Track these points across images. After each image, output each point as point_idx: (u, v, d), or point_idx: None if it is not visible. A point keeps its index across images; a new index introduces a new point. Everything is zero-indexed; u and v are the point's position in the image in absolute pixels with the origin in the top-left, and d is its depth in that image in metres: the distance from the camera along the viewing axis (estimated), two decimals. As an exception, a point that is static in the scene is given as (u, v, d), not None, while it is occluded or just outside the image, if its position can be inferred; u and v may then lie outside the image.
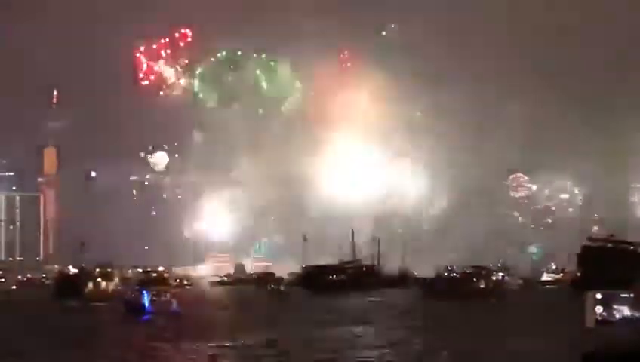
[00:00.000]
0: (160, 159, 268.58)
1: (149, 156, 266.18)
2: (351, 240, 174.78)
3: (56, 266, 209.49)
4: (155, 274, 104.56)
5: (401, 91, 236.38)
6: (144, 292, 62.77)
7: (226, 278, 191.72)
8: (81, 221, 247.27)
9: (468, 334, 44.34)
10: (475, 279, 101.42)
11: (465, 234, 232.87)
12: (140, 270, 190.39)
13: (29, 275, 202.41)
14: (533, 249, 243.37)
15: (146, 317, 59.39)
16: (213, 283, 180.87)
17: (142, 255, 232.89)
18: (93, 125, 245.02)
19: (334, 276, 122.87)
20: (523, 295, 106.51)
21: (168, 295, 62.16)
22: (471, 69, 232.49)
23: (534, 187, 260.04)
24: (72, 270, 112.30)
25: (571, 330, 35.20)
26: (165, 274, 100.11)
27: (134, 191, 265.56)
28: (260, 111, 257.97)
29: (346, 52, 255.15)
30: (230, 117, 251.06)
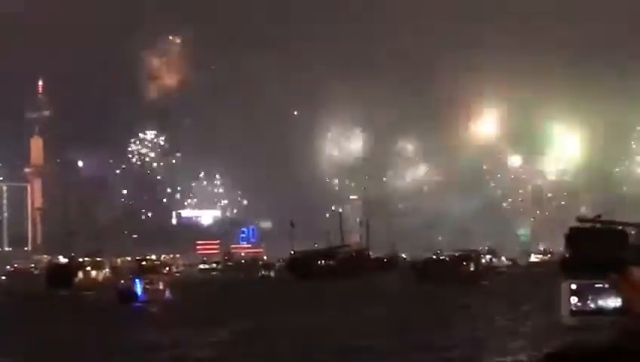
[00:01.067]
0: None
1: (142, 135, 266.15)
2: (339, 225, 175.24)
3: (44, 256, 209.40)
4: (147, 263, 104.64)
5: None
6: (136, 280, 63.01)
7: (215, 265, 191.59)
8: (69, 210, 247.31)
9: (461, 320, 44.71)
10: (465, 262, 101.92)
11: (453, 216, 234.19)
12: (129, 258, 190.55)
13: (16, 265, 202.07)
14: (521, 230, 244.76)
15: (138, 305, 59.64)
16: (203, 271, 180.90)
17: (130, 243, 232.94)
18: (79, 113, 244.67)
19: (323, 261, 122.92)
20: (512, 277, 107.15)
21: (161, 283, 62.37)
22: (461, 59, 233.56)
23: (521, 167, 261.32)
24: (63, 260, 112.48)
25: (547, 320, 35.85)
26: (157, 262, 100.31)
27: (121, 179, 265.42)
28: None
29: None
30: (221, 102, 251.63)
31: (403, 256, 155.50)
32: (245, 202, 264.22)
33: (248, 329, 41.89)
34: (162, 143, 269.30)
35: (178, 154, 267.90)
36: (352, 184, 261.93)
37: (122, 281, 64.94)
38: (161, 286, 61.77)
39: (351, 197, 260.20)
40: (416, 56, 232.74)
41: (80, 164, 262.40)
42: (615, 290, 1.89)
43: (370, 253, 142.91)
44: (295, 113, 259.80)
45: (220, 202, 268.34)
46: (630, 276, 1.81)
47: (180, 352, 33.62)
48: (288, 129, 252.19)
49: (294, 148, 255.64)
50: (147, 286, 61.02)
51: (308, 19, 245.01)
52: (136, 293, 61.35)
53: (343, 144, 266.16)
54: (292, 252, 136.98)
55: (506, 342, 32.99)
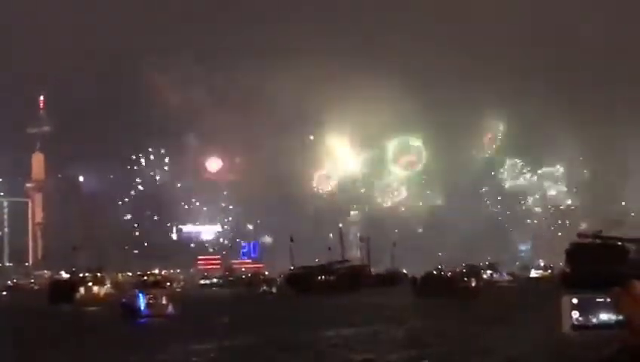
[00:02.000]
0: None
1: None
2: (339, 240, 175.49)
3: (45, 271, 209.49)
4: (150, 277, 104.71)
5: (387, 91, 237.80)
6: (140, 294, 63.15)
7: (216, 280, 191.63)
8: (70, 226, 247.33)
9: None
10: (466, 278, 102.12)
11: (454, 232, 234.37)
12: (130, 274, 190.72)
13: (15, 280, 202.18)
14: (522, 246, 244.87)
15: (142, 320, 59.79)
16: (204, 286, 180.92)
17: (131, 258, 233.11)
18: (81, 130, 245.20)
19: (323, 277, 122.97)
20: (512, 293, 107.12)
21: (164, 298, 62.51)
22: (458, 68, 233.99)
23: (525, 179, 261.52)
24: (64, 275, 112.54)
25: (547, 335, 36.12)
26: (160, 277, 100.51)
27: (122, 195, 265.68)
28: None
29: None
30: (223, 118, 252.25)
31: (404, 271, 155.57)
32: (246, 217, 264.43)
33: (250, 343, 42.17)
34: (164, 159, 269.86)
35: (180, 169, 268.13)
36: (354, 205, 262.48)
37: (126, 296, 64.96)
38: (164, 301, 61.90)
39: (351, 213, 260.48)
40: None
41: (81, 179, 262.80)
42: (617, 304, 2.10)
43: (372, 269, 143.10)
44: (311, 138, 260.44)
45: (221, 218, 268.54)
46: (632, 290, 2.02)
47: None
48: (289, 145, 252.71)
49: (295, 164, 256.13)
50: (151, 301, 61.13)
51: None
52: (139, 308, 61.51)
53: (344, 162, 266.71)
54: (291, 267, 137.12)
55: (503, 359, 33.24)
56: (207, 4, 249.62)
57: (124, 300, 64.72)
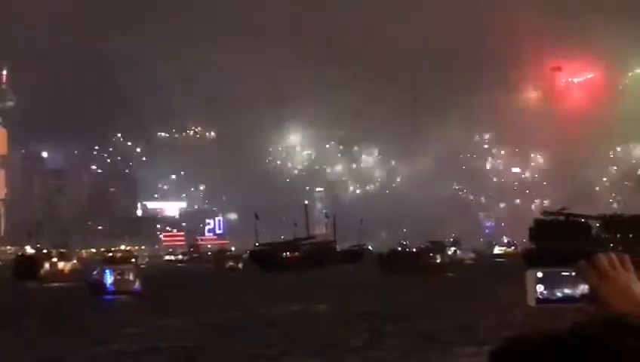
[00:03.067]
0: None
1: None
2: (305, 216, 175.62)
3: (9, 247, 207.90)
4: (117, 253, 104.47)
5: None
6: (107, 271, 62.95)
7: (181, 257, 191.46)
8: (34, 201, 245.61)
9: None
10: (431, 254, 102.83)
11: (419, 209, 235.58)
12: (94, 250, 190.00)
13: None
14: (486, 223, 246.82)
15: (108, 297, 59.72)
16: (169, 262, 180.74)
17: (95, 234, 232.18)
18: (45, 105, 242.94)
19: (287, 253, 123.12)
20: (476, 269, 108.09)
21: (132, 274, 62.39)
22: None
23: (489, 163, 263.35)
24: (29, 251, 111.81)
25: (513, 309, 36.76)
26: (127, 254, 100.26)
27: (86, 171, 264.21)
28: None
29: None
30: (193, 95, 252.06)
31: (369, 247, 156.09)
32: (212, 194, 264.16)
33: (218, 319, 42.40)
34: (130, 136, 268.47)
35: (145, 145, 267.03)
36: (315, 181, 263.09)
37: (94, 273, 64.75)
38: (131, 278, 61.80)
39: (317, 189, 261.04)
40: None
41: (44, 154, 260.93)
42: (582, 277, 2.28)
43: (337, 245, 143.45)
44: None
45: (186, 194, 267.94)
46: (597, 262, 2.18)
47: (152, 341, 34.04)
48: (258, 122, 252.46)
49: (262, 141, 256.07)
50: (118, 278, 61.01)
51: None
52: (105, 285, 61.39)
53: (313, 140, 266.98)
54: (256, 244, 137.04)
55: (469, 334, 33.75)
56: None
57: (91, 277, 64.45)
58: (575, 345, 2.08)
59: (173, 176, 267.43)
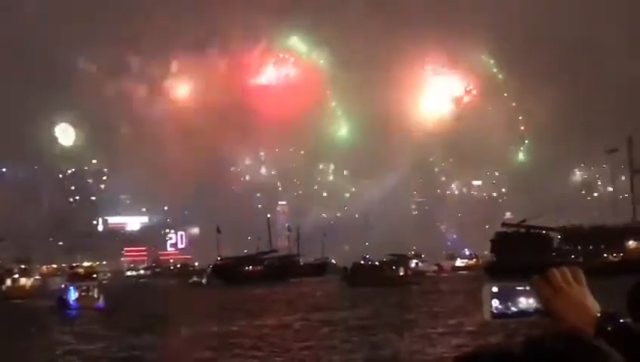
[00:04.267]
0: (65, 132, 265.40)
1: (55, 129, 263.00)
2: (267, 230, 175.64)
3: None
4: (81, 269, 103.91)
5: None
6: (70, 287, 62.92)
7: (143, 272, 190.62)
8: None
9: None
10: (394, 266, 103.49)
11: (381, 220, 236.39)
12: (55, 265, 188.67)
13: None
14: (448, 235, 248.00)
15: (71, 312, 59.62)
16: (131, 277, 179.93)
17: (56, 250, 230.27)
18: (2, 120, 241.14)
19: (250, 267, 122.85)
20: (438, 281, 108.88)
21: (95, 291, 62.35)
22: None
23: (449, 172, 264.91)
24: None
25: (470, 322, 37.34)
26: (90, 270, 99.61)
27: (47, 186, 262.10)
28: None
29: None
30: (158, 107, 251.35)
31: (333, 261, 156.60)
32: (173, 208, 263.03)
33: (182, 335, 42.52)
34: (90, 152, 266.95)
35: (106, 159, 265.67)
36: (280, 189, 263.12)
37: (61, 288, 64.70)
38: (95, 294, 61.77)
39: (280, 202, 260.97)
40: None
41: (4, 170, 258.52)
42: (536, 292, 2.53)
43: (301, 258, 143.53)
44: None
45: (148, 209, 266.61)
46: (551, 277, 2.42)
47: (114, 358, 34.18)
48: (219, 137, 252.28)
49: (224, 155, 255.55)
50: (82, 294, 60.97)
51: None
52: (68, 301, 61.32)
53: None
54: (218, 258, 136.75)
55: (428, 345, 34.21)
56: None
57: (58, 293, 64.39)
58: (528, 359, 2.10)
59: (135, 191, 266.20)
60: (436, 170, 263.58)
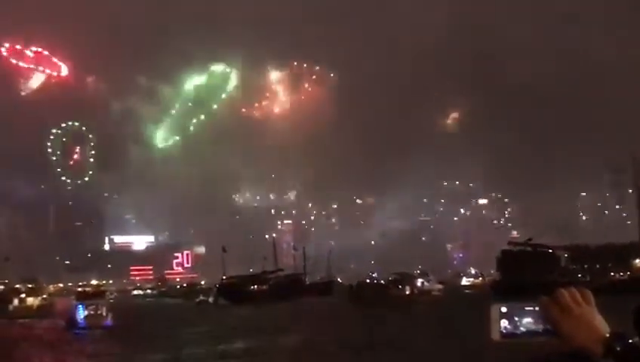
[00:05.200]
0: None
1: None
2: (273, 249, 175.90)
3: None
4: (90, 288, 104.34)
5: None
6: (79, 306, 63.18)
7: (150, 291, 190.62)
8: (0, 236, 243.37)
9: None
10: (399, 286, 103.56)
11: (387, 240, 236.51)
12: (61, 285, 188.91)
13: None
14: (454, 253, 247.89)
15: (78, 331, 59.83)
16: (137, 297, 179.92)
17: (62, 269, 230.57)
18: (9, 138, 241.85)
19: (255, 286, 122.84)
20: (444, 301, 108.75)
21: (104, 309, 62.60)
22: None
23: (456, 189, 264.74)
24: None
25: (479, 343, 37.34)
26: (99, 288, 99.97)
27: (53, 205, 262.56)
28: (194, 121, 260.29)
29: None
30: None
31: (339, 279, 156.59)
32: (179, 227, 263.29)
33: (192, 355, 42.73)
34: (96, 168, 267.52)
35: (111, 177, 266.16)
36: (282, 212, 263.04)
37: (70, 307, 64.96)
38: (104, 313, 62.00)
39: (285, 221, 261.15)
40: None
41: (12, 188, 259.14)
42: (544, 312, 2.63)
43: (306, 277, 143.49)
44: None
45: (154, 228, 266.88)
46: (559, 298, 2.51)
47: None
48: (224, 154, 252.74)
49: (230, 173, 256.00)
50: (91, 313, 61.21)
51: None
52: (77, 320, 61.55)
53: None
54: (223, 277, 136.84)
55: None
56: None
57: (69, 312, 64.61)
58: None
59: (141, 210, 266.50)
60: (442, 189, 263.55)
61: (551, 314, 2.83)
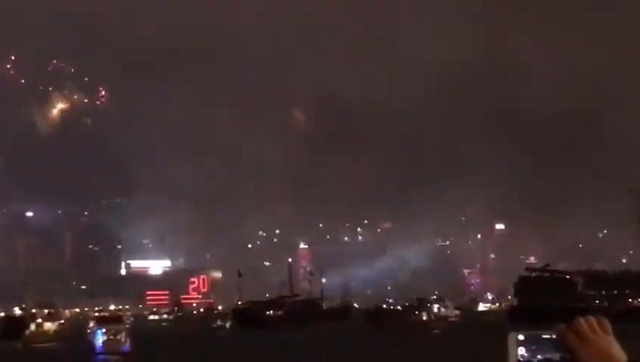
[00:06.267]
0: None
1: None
2: (289, 274, 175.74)
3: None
4: (108, 313, 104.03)
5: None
6: (98, 331, 63.22)
7: (165, 316, 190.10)
8: (16, 261, 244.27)
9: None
10: (416, 311, 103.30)
11: (404, 264, 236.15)
12: (77, 309, 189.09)
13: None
14: (471, 279, 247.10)
15: (98, 357, 59.88)
16: (154, 321, 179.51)
17: (79, 294, 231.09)
18: (26, 164, 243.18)
19: (271, 311, 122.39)
20: (461, 327, 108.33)
21: (123, 334, 62.59)
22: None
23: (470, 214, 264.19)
24: (17, 311, 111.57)
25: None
26: (117, 313, 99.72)
27: (70, 230, 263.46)
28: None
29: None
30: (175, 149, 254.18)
31: (355, 304, 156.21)
32: (195, 252, 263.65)
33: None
34: (113, 196, 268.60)
35: (126, 201, 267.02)
36: (298, 239, 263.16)
37: (88, 332, 65.01)
38: (122, 338, 61.96)
39: (301, 246, 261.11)
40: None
41: (29, 214, 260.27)
42: (562, 341, 2.67)
43: (323, 302, 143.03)
44: None
45: (170, 252, 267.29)
46: (577, 326, 2.55)
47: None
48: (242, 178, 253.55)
49: (247, 197, 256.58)
50: (110, 338, 61.21)
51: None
52: (95, 345, 61.59)
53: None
54: (238, 302, 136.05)
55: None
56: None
57: (88, 337, 64.63)
58: None
59: (157, 235, 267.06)
60: (459, 215, 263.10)
61: (568, 342, 2.84)
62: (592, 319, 2.78)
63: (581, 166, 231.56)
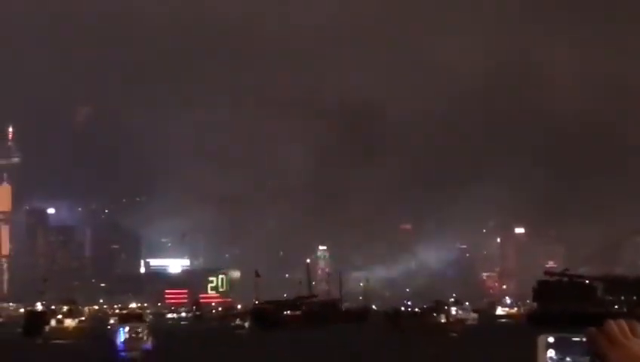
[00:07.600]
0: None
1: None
2: (307, 274, 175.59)
3: (11, 304, 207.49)
4: (128, 311, 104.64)
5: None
6: (120, 329, 63.49)
7: (184, 314, 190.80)
8: (37, 258, 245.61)
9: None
10: (435, 314, 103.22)
11: (422, 266, 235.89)
12: (97, 307, 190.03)
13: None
14: (489, 283, 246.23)
15: (120, 354, 60.15)
16: (173, 320, 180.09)
17: (98, 291, 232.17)
18: (50, 162, 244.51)
19: (289, 311, 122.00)
20: (480, 329, 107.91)
21: (145, 332, 62.81)
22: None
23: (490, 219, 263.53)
24: (39, 307, 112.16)
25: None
26: (139, 312, 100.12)
27: (90, 228, 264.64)
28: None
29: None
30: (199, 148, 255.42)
31: (374, 306, 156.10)
32: (214, 252, 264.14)
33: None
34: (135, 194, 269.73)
35: (148, 203, 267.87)
36: (317, 240, 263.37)
37: (110, 330, 65.27)
38: (144, 336, 62.17)
39: (320, 247, 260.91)
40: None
41: (50, 211, 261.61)
42: (592, 344, 2.71)
43: (342, 304, 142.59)
44: None
45: (189, 252, 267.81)
46: (608, 330, 2.59)
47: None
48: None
49: (266, 197, 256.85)
50: (133, 336, 61.44)
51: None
52: (117, 342, 61.87)
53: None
54: (255, 302, 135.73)
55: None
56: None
57: (109, 334, 64.91)
58: None
59: (177, 234, 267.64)
60: (480, 219, 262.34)
61: (598, 345, 2.86)
62: (623, 322, 2.83)
63: (603, 174, 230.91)
